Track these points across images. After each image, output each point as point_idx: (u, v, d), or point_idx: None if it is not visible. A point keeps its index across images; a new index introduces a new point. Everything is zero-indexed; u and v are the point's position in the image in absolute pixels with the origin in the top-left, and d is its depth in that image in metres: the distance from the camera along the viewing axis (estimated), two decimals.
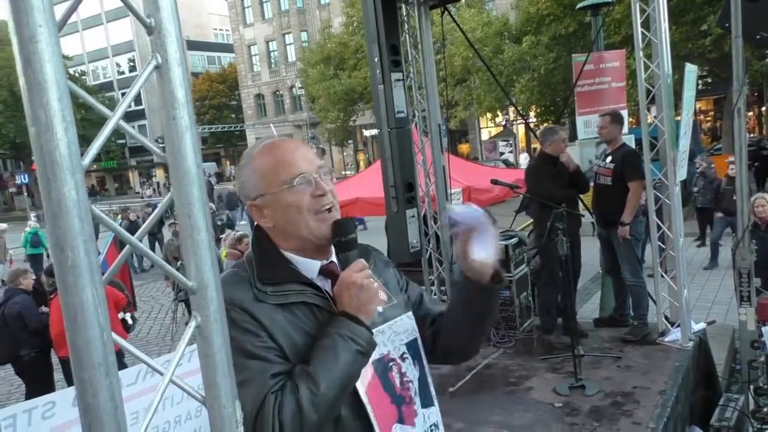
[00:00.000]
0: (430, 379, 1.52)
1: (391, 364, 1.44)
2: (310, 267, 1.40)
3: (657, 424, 3.45)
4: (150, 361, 1.00)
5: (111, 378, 0.81)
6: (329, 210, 1.38)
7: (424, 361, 1.52)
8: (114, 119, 0.87)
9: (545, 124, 19.94)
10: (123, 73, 49.28)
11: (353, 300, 1.31)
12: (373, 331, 1.36)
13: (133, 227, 15.43)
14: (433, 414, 1.51)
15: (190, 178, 0.95)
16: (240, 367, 1.21)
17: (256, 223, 1.46)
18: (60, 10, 0.76)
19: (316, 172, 1.38)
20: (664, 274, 4.76)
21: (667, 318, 4.80)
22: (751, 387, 4.53)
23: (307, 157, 1.40)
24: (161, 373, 0.95)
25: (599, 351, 4.67)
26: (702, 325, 4.84)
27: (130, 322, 6.40)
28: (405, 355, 1.47)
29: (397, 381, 1.44)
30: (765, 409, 4.22)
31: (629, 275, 4.85)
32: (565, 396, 3.99)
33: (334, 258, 1.43)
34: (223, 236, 8.57)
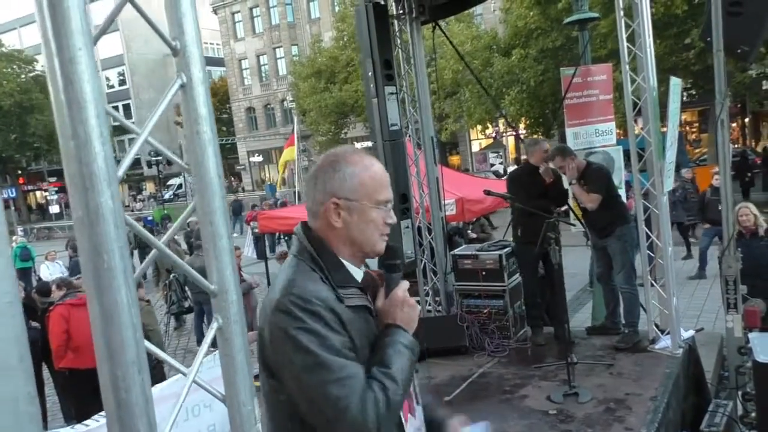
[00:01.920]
0: (416, 381, 1.71)
1: None
2: (358, 273, 1.54)
3: (649, 430, 3.51)
4: (173, 361, 1.06)
5: (143, 374, 0.87)
6: (387, 235, 1.55)
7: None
8: (143, 135, 0.94)
9: (534, 136, 20.16)
10: (113, 87, 49.18)
11: (405, 316, 1.50)
12: None
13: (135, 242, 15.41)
14: (420, 411, 1.69)
15: (212, 188, 1.02)
16: (339, 365, 1.36)
17: (301, 224, 1.57)
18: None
19: (391, 202, 1.56)
20: (654, 282, 4.85)
21: (657, 326, 4.88)
22: (739, 392, 4.62)
23: (390, 186, 1.56)
24: (184, 374, 1.01)
25: (592, 359, 4.74)
26: (691, 333, 4.93)
27: None
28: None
29: None
30: (753, 414, 4.30)
31: (623, 282, 4.93)
32: (559, 403, 4.05)
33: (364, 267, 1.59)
34: None
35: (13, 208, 38.75)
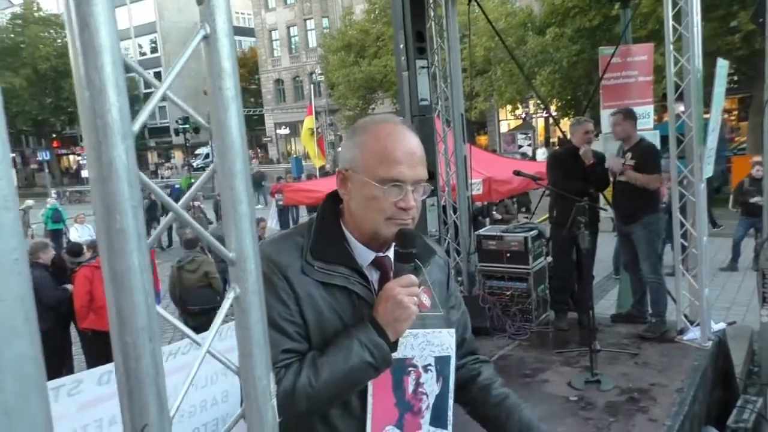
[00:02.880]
0: (450, 402, 1.46)
1: (410, 369, 1.41)
2: (365, 254, 1.38)
3: (673, 422, 3.43)
4: (188, 330, 1.01)
5: (154, 343, 0.82)
6: (404, 221, 1.33)
7: (451, 382, 1.46)
8: (163, 88, 0.87)
9: (565, 118, 19.77)
10: (145, 54, 49.52)
11: (387, 313, 1.29)
12: (408, 331, 1.35)
13: (152, 206, 15.61)
14: None
15: (234, 150, 0.95)
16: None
17: (330, 194, 1.44)
18: None
19: (413, 184, 1.31)
20: (685, 272, 4.71)
21: (686, 316, 4.75)
22: None
23: (414, 165, 1.32)
24: (198, 344, 0.96)
25: (616, 347, 4.64)
26: (722, 325, 4.79)
27: None
28: (430, 367, 1.43)
29: (411, 388, 1.41)
30: None
31: (649, 271, 4.80)
32: (580, 390, 3.97)
33: (390, 253, 1.39)
34: None
35: (47, 170, 39.58)
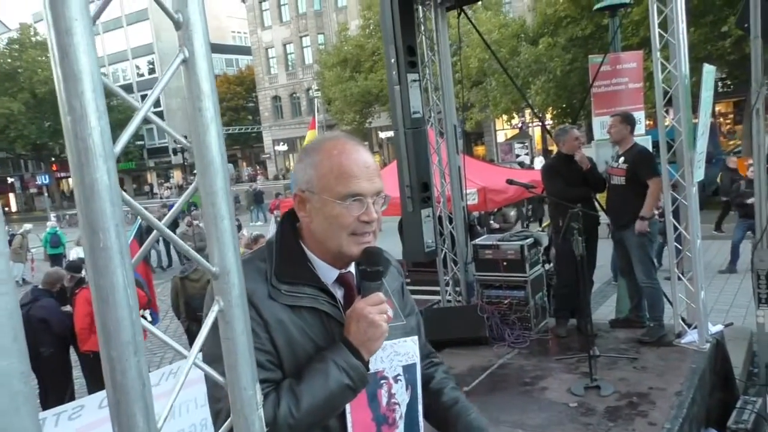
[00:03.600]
0: (420, 407, 1.49)
1: (382, 381, 1.41)
2: (328, 273, 1.37)
3: (672, 425, 3.43)
4: (174, 343, 1.04)
5: (139, 356, 0.85)
6: (367, 235, 1.34)
7: (419, 389, 1.49)
8: (144, 110, 0.91)
9: (560, 126, 19.84)
10: (142, 75, 49.85)
11: (360, 334, 1.29)
12: None
13: (149, 227, 15.62)
14: None
15: (214, 167, 0.99)
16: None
17: (281, 215, 1.46)
18: (93, 8, 0.81)
19: (372, 197, 1.32)
20: (681, 275, 4.73)
21: (683, 320, 4.77)
22: None
23: (371, 177, 1.33)
24: (185, 356, 0.99)
25: (615, 352, 4.65)
26: (719, 327, 4.80)
27: (149, 319, 6.48)
28: (399, 377, 1.44)
29: (384, 400, 1.41)
30: None
31: (643, 276, 4.83)
32: (580, 396, 3.98)
33: (352, 268, 1.41)
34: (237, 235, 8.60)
35: (46, 194, 39.64)
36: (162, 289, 13.43)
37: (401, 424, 1.44)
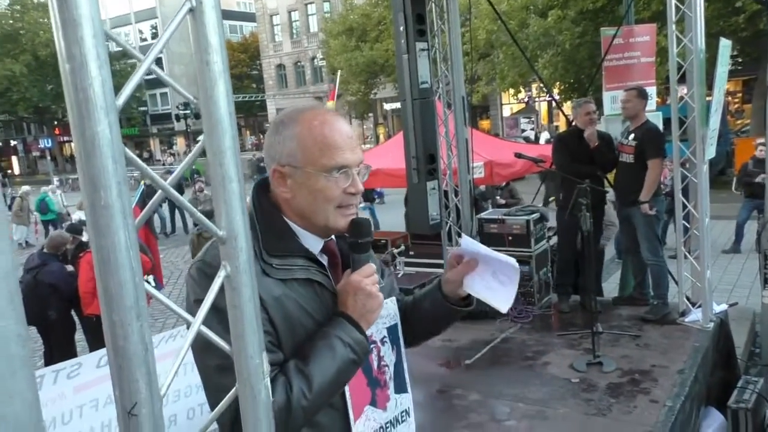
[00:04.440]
0: (405, 366, 1.51)
1: (372, 346, 1.41)
2: (314, 242, 1.35)
3: (674, 403, 3.43)
4: (178, 309, 1.00)
5: (142, 321, 0.81)
6: (353, 207, 1.33)
7: (402, 348, 1.50)
8: (147, 61, 0.85)
9: (568, 102, 19.63)
10: (145, 40, 49.24)
11: (359, 306, 1.28)
12: None
13: (151, 192, 15.55)
14: (406, 400, 1.50)
15: (222, 126, 0.94)
16: (228, 350, 1.14)
17: (255, 185, 1.39)
18: None
19: (356, 167, 1.31)
20: (687, 254, 4.69)
21: (688, 298, 4.74)
22: None
23: (355, 148, 1.32)
24: (189, 321, 0.95)
25: (618, 329, 4.64)
26: (723, 307, 4.78)
27: (152, 284, 6.49)
28: (385, 339, 1.45)
29: (375, 364, 1.43)
30: None
31: (649, 254, 4.78)
32: (582, 372, 3.98)
33: (333, 236, 1.40)
34: None
35: (49, 158, 39.57)
36: (165, 255, 13.48)
37: (392, 385, 1.46)
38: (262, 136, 48.41)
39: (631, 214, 4.89)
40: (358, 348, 1.27)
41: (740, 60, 19.77)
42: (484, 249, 1.50)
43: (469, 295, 1.52)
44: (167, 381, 0.90)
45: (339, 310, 1.30)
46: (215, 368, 1.20)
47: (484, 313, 5.06)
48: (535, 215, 5.27)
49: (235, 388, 1.02)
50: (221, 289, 1.25)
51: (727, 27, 15.37)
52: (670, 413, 3.33)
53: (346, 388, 1.34)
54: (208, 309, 1.14)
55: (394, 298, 1.50)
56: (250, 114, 48.52)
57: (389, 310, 1.47)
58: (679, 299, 4.78)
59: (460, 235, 5.96)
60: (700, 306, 4.54)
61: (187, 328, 0.95)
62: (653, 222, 4.80)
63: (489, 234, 5.38)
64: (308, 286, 1.30)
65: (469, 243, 1.52)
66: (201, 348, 1.21)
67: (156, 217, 14.35)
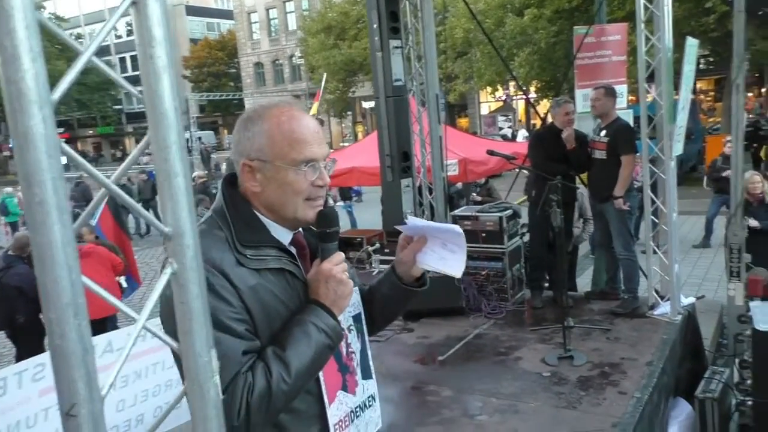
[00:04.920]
0: (369, 353, 1.58)
1: None
2: (283, 234, 1.40)
3: (642, 394, 3.49)
4: (123, 306, 0.98)
5: (80, 319, 0.80)
6: (320, 199, 1.38)
7: (366, 336, 1.57)
8: (86, 54, 0.84)
9: (545, 99, 19.81)
10: (120, 37, 48.54)
11: (330, 293, 1.34)
12: None
13: (124, 191, 15.32)
14: (371, 386, 1.57)
15: (167, 120, 0.93)
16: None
17: (224, 179, 1.43)
18: None
19: (324, 161, 1.37)
20: (656, 248, 4.77)
21: (657, 292, 4.82)
22: (737, 360, 4.59)
23: (321, 142, 1.37)
24: (135, 319, 0.94)
25: (589, 323, 4.70)
26: (691, 300, 4.87)
27: (123, 285, 6.41)
28: (351, 327, 1.52)
29: (344, 351, 1.48)
30: (748, 381, 4.27)
31: (621, 249, 4.86)
32: (554, 366, 4.02)
33: (301, 229, 1.45)
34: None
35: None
36: (140, 255, 13.30)
37: (359, 371, 1.53)
38: None
39: (604, 209, 4.95)
40: (333, 333, 1.32)
41: (711, 59, 20.13)
42: (427, 223, 1.60)
43: (422, 275, 1.58)
44: (109, 381, 0.89)
45: (312, 298, 1.35)
46: None
47: (459, 309, 5.10)
48: (508, 212, 5.31)
49: (183, 386, 1.02)
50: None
51: (698, 27, 15.63)
52: (638, 404, 3.38)
53: (321, 374, 1.39)
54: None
55: (357, 288, 1.55)
56: (228, 112, 48.07)
57: (353, 299, 1.52)
58: (648, 293, 4.86)
59: None
60: (668, 299, 4.62)
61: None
62: (626, 218, 4.87)
63: (463, 230, 5.40)
64: (280, 276, 1.35)
65: (413, 221, 1.59)
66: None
67: (131, 217, 14.15)
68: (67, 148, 0.83)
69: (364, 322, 1.56)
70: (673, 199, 4.64)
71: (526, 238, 5.69)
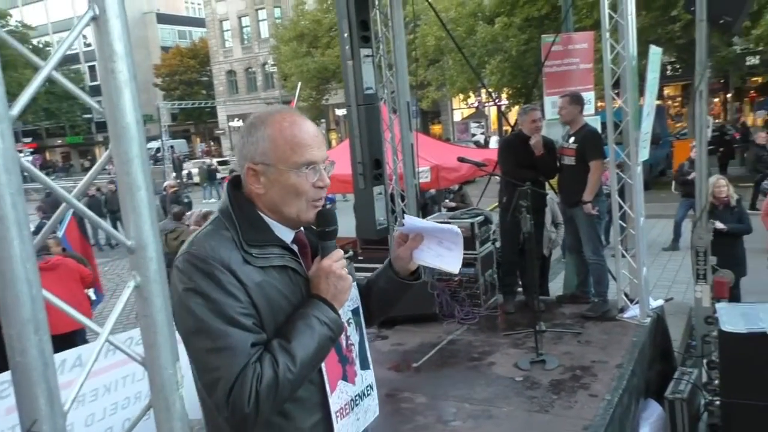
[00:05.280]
0: (367, 345, 1.67)
1: None
2: (286, 233, 1.48)
3: (612, 397, 3.54)
4: (88, 322, 0.98)
5: (41, 335, 0.80)
6: (321, 200, 1.47)
7: (363, 328, 1.67)
8: (46, 69, 0.84)
9: (516, 107, 20.05)
10: (90, 45, 47.80)
11: (331, 288, 1.42)
12: None
13: (93, 202, 15.09)
14: (369, 376, 1.66)
15: (129, 134, 0.93)
16: (219, 333, 1.29)
17: (228, 182, 1.52)
18: None
19: (323, 163, 1.44)
20: (624, 252, 4.86)
21: (626, 295, 4.91)
22: (705, 361, 4.69)
23: (321, 146, 1.45)
24: (98, 333, 0.94)
25: (560, 327, 4.76)
26: (660, 302, 4.97)
27: (93, 297, 6.30)
28: (350, 321, 1.60)
29: (344, 342, 1.57)
30: (716, 382, 4.36)
31: (591, 254, 4.94)
32: (526, 370, 4.06)
33: (302, 228, 1.53)
34: (187, 214, 8.48)
35: None
36: (110, 267, 13.09)
37: (357, 362, 1.61)
38: (213, 143, 47.61)
39: (574, 214, 5.04)
40: (334, 326, 1.40)
41: (678, 66, 20.61)
42: (425, 223, 1.69)
43: (417, 269, 1.67)
44: (71, 396, 0.89)
45: (313, 293, 1.43)
46: (206, 350, 1.31)
47: (433, 315, 5.13)
48: (480, 218, 5.37)
49: (149, 400, 1.01)
50: (210, 275, 1.34)
51: (665, 35, 16.01)
52: (609, 407, 3.43)
53: (323, 365, 1.47)
54: (197, 296, 1.34)
55: (354, 284, 1.63)
56: (200, 121, 47.62)
57: (352, 294, 1.60)
58: (617, 296, 4.95)
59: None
60: (637, 302, 4.71)
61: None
62: (595, 223, 4.96)
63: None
64: (284, 273, 1.42)
65: (411, 221, 1.67)
66: (193, 331, 1.32)
67: (98, 229, 13.91)
68: (25, 163, 0.83)
69: (362, 316, 1.65)
70: (640, 203, 4.73)
71: (499, 243, 5.75)
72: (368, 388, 1.65)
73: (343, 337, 1.54)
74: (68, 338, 4.86)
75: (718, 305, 4.39)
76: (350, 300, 1.58)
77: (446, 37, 19.55)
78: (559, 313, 5.12)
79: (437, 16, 8.56)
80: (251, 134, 1.43)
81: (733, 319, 3.94)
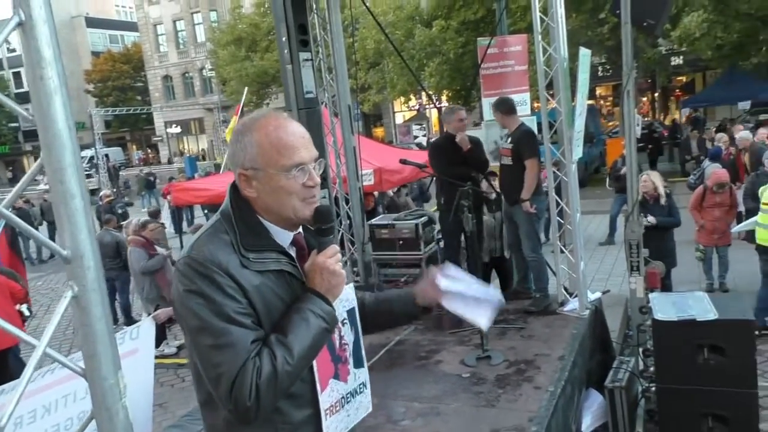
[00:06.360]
0: (362, 344, 1.72)
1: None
2: (284, 237, 1.51)
3: (556, 388, 3.66)
4: (23, 334, 0.96)
5: None
6: (314, 197, 1.50)
7: (359, 328, 1.71)
8: None
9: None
10: (14, 50, 45.50)
11: (325, 282, 1.46)
12: None
13: (22, 214, 14.40)
14: (363, 374, 1.72)
15: (61, 141, 0.92)
16: (220, 331, 1.33)
17: (230, 185, 1.53)
18: None
19: (312, 163, 1.47)
20: (563, 248, 5.03)
21: (566, 289, 5.08)
22: (641, 349, 4.90)
23: (308, 146, 1.48)
24: (34, 345, 0.92)
25: (504, 323, 4.87)
26: (597, 295, 5.16)
27: (26, 313, 6.02)
28: (345, 321, 1.65)
29: (337, 342, 1.62)
30: (651, 368, 4.57)
31: (529, 251, 5.08)
32: (473, 367, 4.15)
33: (301, 229, 1.56)
34: (124, 223, 8.21)
35: None
36: (44, 282, 12.53)
37: (351, 360, 1.66)
38: (150, 150, 46.23)
39: (513, 213, 5.17)
40: (329, 318, 1.45)
41: (608, 67, 21.47)
42: (466, 286, 1.78)
43: (430, 307, 1.80)
44: (8, 410, 0.87)
45: (308, 287, 1.47)
46: (209, 347, 1.36)
47: None
48: (424, 219, 5.44)
49: (90, 413, 0.99)
50: (209, 279, 1.36)
51: (594, 37, 16.65)
52: (552, 398, 3.54)
53: (314, 363, 1.51)
54: (198, 297, 1.38)
55: (352, 285, 1.69)
56: (136, 128, 46.14)
57: (348, 294, 1.65)
58: (557, 290, 5.11)
59: (353, 243, 6.02)
60: (576, 296, 4.88)
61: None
62: (533, 221, 5.10)
63: (381, 239, 5.50)
64: (280, 277, 1.46)
65: (451, 283, 1.75)
66: (196, 329, 1.37)
67: (32, 242, 13.32)
68: None
69: (357, 316, 1.70)
70: (576, 200, 4.91)
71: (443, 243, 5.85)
72: (361, 386, 1.70)
73: (336, 337, 1.59)
74: (0, 357, 4.63)
75: (651, 295, 4.61)
76: (346, 301, 1.63)
77: (385, 41, 19.72)
78: (502, 310, 5.23)
79: (375, 20, 8.62)
80: (239, 140, 1.46)
81: (665, 307, 4.14)
